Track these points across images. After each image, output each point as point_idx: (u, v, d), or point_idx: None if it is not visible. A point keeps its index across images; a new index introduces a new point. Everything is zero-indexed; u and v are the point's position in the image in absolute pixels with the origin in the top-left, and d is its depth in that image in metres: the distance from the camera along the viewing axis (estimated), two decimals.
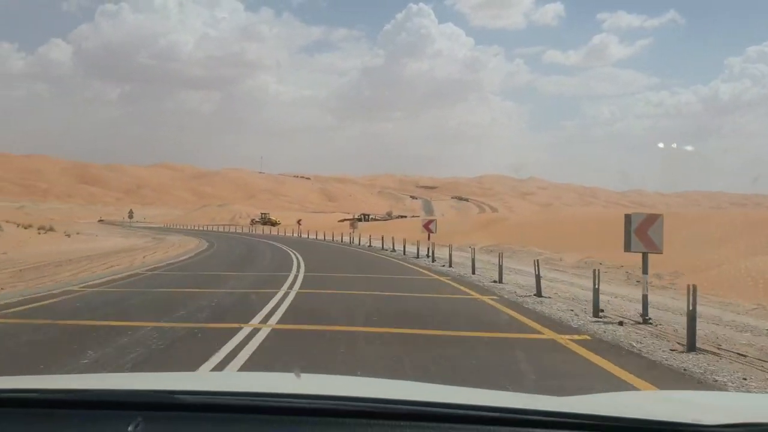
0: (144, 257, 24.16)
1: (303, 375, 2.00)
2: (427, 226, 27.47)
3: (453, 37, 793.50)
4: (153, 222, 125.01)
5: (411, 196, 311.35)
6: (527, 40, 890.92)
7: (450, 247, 22.75)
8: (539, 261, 28.66)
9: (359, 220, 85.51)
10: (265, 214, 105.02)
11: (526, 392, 3.10)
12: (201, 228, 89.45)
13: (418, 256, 26.77)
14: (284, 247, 35.05)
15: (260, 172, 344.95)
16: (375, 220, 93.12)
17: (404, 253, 29.19)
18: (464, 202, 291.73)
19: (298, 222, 62.81)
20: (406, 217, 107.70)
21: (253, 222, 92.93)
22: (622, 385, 5.83)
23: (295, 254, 28.23)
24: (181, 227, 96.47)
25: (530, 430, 1.54)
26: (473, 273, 18.82)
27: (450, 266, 21.84)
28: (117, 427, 1.55)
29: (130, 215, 75.07)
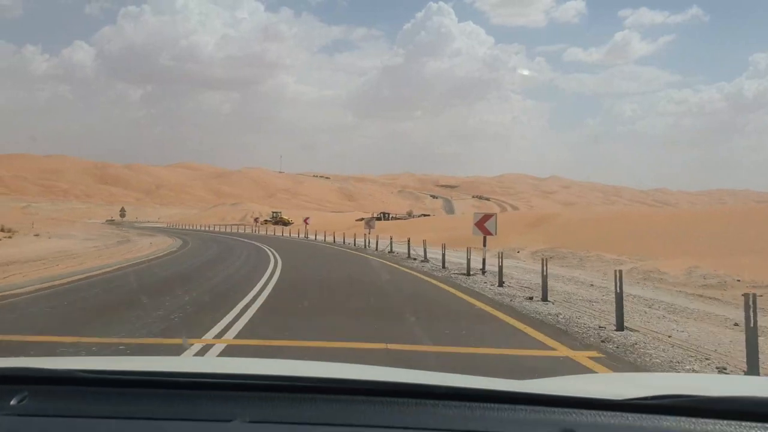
0: (21, 275, 13.92)
1: (202, 358, 2.27)
2: (482, 225, 16.91)
3: (473, 36, 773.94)
4: (163, 222, 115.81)
5: (431, 195, 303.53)
6: (548, 38, 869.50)
7: (544, 264, 12.14)
8: (624, 273, 17.47)
9: (378, 218, 75.09)
10: (276, 212, 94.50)
11: None
12: (205, 228, 79.48)
13: (469, 273, 16.26)
14: (273, 254, 24.77)
15: (279, 172, 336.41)
16: (396, 218, 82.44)
17: (444, 266, 18.68)
18: (485, 201, 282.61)
19: (305, 221, 52.08)
20: (429, 215, 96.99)
21: (257, 221, 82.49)
22: None
23: (275, 266, 17.98)
24: (185, 227, 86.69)
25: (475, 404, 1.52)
26: (619, 329, 8.22)
27: (546, 299, 11.35)
28: None
29: (122, 214, 65.21)
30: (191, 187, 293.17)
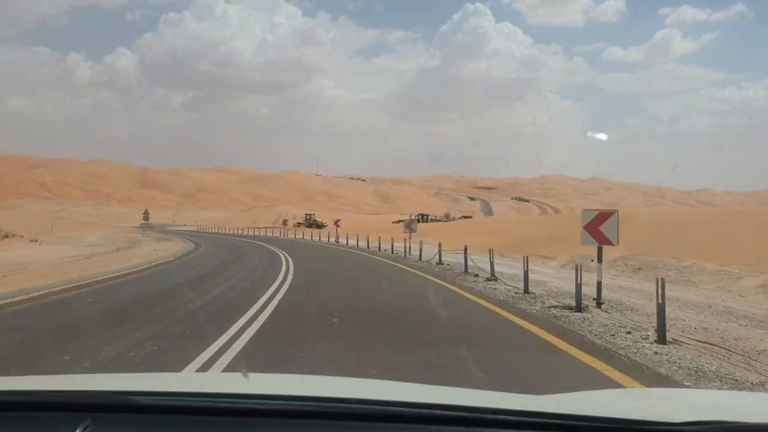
0: None
1: (251, 375, 1.90)
2: (596, 230, 10.34)
3: (510, 36, 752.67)
4: (196, 225, 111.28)
5: (469, 197, 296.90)
6: (586, 38, 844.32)
7: None
8: (761, 292, 8.93)
9: (417, 220, 68.80)
10: (309, 215, 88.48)
11: None
12: (233, 231, 73.98)
13: (579, 307, 9.75)
14: (288, 265, 18.73)
15: (317, 175, 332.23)
16: (435, 220, 75.76)
17: (527, 290, 12.23)
18: (525, 203, 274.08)
19: (336, 223, 45.67)
20: (470, 217, 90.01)
21: (286, 223, 76.59)
22: None
23: (281, 284, 11.86)
24: (214, 231, 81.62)
25: (502, 430, 1.48)
26: None
27: None
28: (64, 430, 1.47)
29: (145, 217, 60.04)
30: (230, 190, 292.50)
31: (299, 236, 53.25)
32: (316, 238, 49.80)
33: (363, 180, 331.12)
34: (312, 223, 79.31)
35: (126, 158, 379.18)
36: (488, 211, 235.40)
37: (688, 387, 5.23)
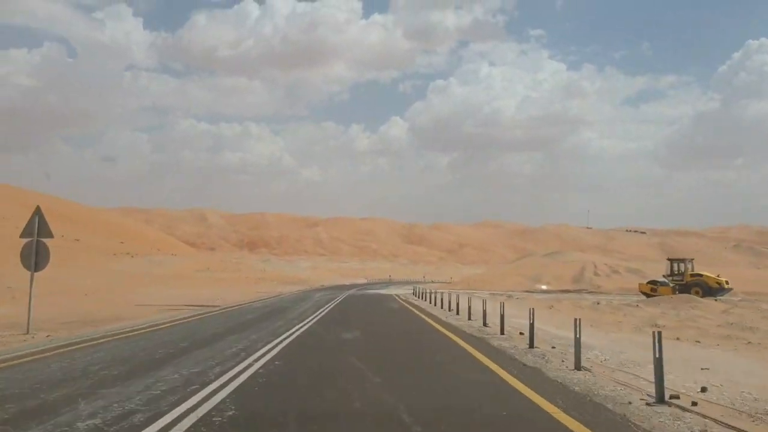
0: None
1: None
2: None
3: None
4: (441, 281, 71.39)
5: None
6: None
7: None
8: None
9: None
10: (680, 261, 40.54)
11: None
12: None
13: None
14: None
15: (587, 228, 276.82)
16: None
17: None
18: None
19: None
20: None
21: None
22: None
23: None
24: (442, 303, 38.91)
25: None
26: None
27: None
28: None
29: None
30: (493, 245, 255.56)
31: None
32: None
33: (642, 232, 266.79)
34: (696, 283, 32.48)
35: (395, 215, 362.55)
36: None
37: None
